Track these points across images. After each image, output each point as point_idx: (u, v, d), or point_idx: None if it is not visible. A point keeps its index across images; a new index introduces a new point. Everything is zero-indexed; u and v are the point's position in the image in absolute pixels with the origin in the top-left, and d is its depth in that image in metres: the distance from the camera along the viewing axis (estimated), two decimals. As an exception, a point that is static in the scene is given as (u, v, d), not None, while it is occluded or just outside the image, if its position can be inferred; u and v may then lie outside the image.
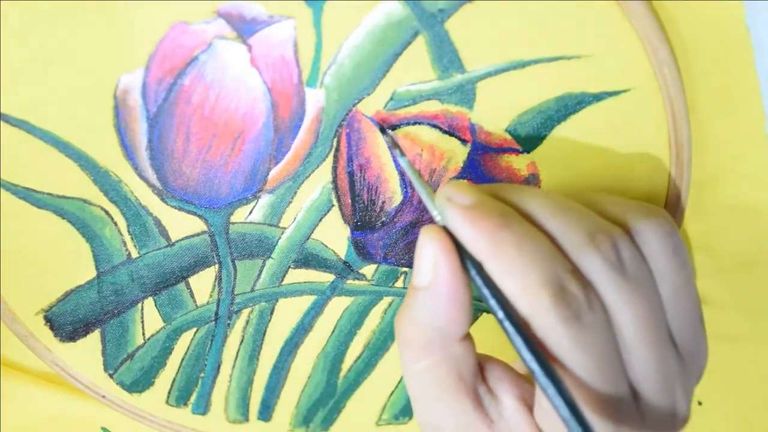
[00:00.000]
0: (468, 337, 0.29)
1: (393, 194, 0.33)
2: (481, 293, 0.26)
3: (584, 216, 0.28)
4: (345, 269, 0.35)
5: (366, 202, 0.33)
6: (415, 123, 0.32)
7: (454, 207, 0.27)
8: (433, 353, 0.28)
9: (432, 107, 0.31)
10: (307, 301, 0.36)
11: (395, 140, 0.32)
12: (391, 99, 0.31)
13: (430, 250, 0.27)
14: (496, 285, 0.26)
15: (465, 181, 0.28)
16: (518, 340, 0.26)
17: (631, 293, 0.27)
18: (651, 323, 0.27)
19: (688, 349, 0.29)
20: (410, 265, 0.35)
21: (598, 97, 0.31)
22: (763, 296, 0.36)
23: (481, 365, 0.30)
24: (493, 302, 0.26)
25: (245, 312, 0.36)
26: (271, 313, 0.36)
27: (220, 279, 0.35)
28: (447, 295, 0.27)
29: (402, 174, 0.33)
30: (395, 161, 0.32)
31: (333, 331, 0.37)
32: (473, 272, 0.27)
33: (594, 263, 0.27)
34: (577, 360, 0.26)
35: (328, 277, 0.35)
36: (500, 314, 0.26)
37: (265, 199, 0.33)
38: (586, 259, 0.27)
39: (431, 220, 0.33)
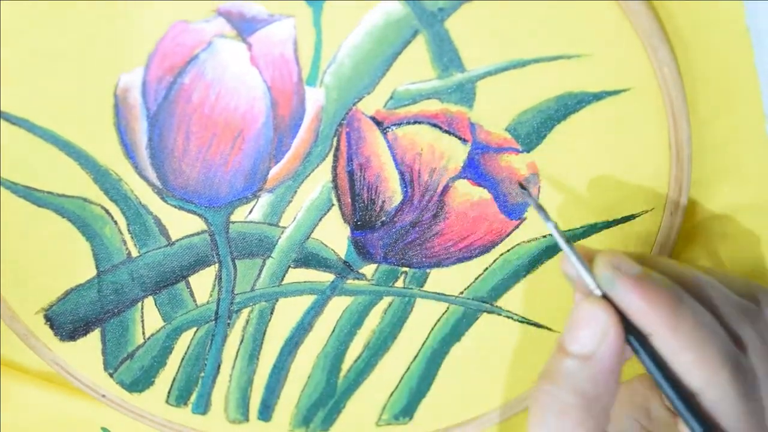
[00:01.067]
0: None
1: (393, 193, 0.33)
2: (646, 366, 0.27)
3: (727, 291, 0.29)
4: (345, 269, 0.35)
5: (366, 202, 0.33)
6: (414, 122, 0.32)
7: (624, 278, 0.27)
8: (587, 423, 0.27)
9: (432, 106, 0.31)
10: (307, 301, 0.36)
11: (539, 204, 0.31)
12: (391, 98, 0.31)
13: (601, 317, 0.27)
14: (660, 356, 0.27)
15: (619, 251, 0.28)
16: (688, 416, 0.26)
17: None
18: None
19: None
20: (410, 265, 0.35)
21: (598, 97, 0.31)
22: (763, 297, 0.36)
23: None
24: (659, 376, 0.27)
25: (245, 311, 0.36)
26: (271, 313, 0.36)
27: (220, 278, 0.35)
28: (611, 365, 0.27)
29: (402, 173, 0.33)
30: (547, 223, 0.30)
31: (333, 330, 0.37)
32: (636, 344, 0.27)
33: (750, 336, 0.28)
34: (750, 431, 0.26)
35: (328, 277, 0.35)
36: (668, 389, 0.27)
37: (265, 199, 0.33)
38: (742, 332, 0.28)
39: (431, 220, 0.33)
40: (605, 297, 0.28)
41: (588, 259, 0.29)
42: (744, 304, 0.29)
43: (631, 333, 0.27)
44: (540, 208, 0.31)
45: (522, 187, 0.32)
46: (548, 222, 0.30)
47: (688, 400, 0.26)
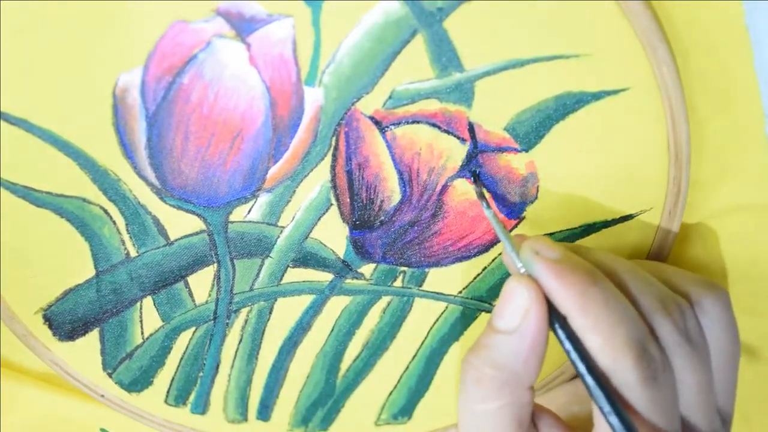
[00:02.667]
0: (533, 387, 0.29)
1: (392, 193, 0.33)
2: (563, 346, 0.28)
3: (655, 283, 0.30)
4: (344, 268, 0.35)
5: (365, 201, 0.33)
6: (413, 122, 0.32)
7: (542, 260, 0.28)
8: (503, 397, 0.28)
9: (430, 106, 0.31)
10: (305, 301, 0.36)
11: (483, 191, 0.32)
12: (390, 98, 0.31)
13: (523, 296, 0.28)
14: (579, 339, 0.27)
15: (546, 238, 0.29)
16: (599, 394, 0.27)
17: (694, 360, 0.29)
18: (708, 390, 0.29)
19: (727, 412, 0.31)
20: (409, 265, 0.35)
21: (597, 96, 0.31)
22: (762, 296, 0.36)
23: (534, 414, 0.30)
24: (575, 356, 0.27)
25: (244, 311, 0.36)
26: (270, 313, 0.36)
27: (219, 278, 0.35)
28: (532, 342, 0.28)
29: (401, 173, 0.33)
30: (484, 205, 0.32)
31: (332, 330, 0.37)
32: (556, 324, 0.28)
33: (665, 329, 0.28)
34: (650, 417, 0.27)
35: (326, 277, 0.35)
36: (582, 368, 0.27)
37: (263, 198, 0.33)
38: (658, 324, 0.28)
39: (429, 219, 0.33)
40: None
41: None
42: (666, 296, 0.29)
43: (554, 315, 0.28)
44: (481, 196, 0.32)
45: (473, 176, 0.33)
46: (487, 210, 0.31)
47: (602, 384, 0.27)
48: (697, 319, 0.30)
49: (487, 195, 0.33)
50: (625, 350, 0.27)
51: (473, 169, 0.32)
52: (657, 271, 0.31)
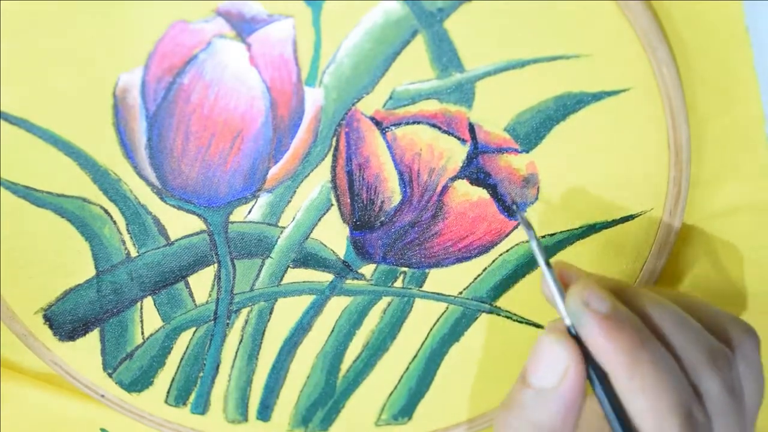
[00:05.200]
0: None
1: (392, 194, 0.33)
2: (602, 405, 0.27)
3: (702, 333, 0.29)
4: (344, 269, 0.35)
5: (365, 202, 0.33)
6: (414, 122, 0.32)
7: (591, 314, 0.27)
8: None
9: (431, 106, 0.31)
10: (306, 301, 0.36)
11: (528, 222, 0.32)
12: (390, 98, 0.31)
13: (562, 355, 0.27)
14: (619, 399, 0.27)
15: (597, 284, 0.28)
16: None
17: (735, 416, 0.28)
18: None
19: None
20: (409, 265, 0.35)
21: (597, 97, 0.31)
22: (762, 296, 0.36)
23: None
24: (613, 417, 0.27)
25: (244, 311, 0.36)
26: (270, 313, 0.36)
27: (219, 278, 0.35)
28: (571, 402, 0.27)
29: (401, 173, 0.33)
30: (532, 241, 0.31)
31: (332, 330, 0.37)
32: (597, 383, 0.27)
33: (713, 387, 0.28)
34: None
35: (327, 277, 0.35)
36: (617, 428, 0.27)
37: (264, 199, 0.33)
38: (706, 380, 0.28)
39: (430, 220, 0.33)
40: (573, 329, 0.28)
41: (568, 282, 0.29)
42: (714, 349, 0.28)
43: (592, 366, 0.27)
44: (528, 227, 0.31)
45: (516, 206, 0.33)
46: (533, 241, 0.30)
47: None
48: (738, 368, 0.29)
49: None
50: (671, 415, 0.26)
51: (516, 203, 0.32)
52: (695, 310, 0.30)
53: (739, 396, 0.28)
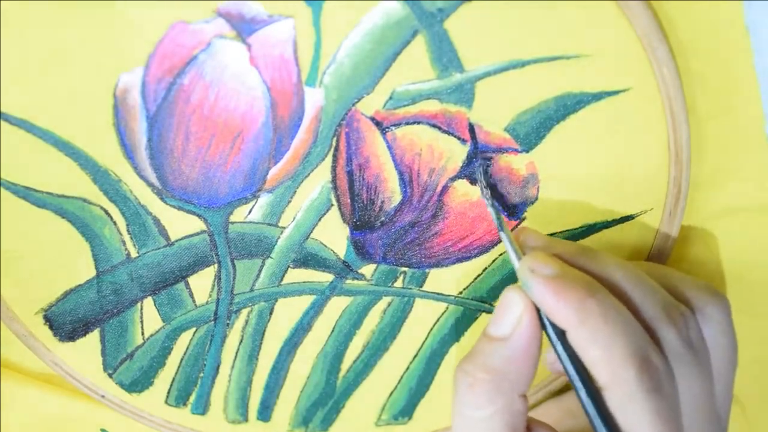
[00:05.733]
0: (525, 396, 0.29)
1: (392, 194, 0.33)
2: (562, 362, 0.28)
3: (658, 290, 0.30)
4: (344, 269, 0.35)
5: (365, 202, 0.33)
6: (414, 122, 0.32)
7: (537, 278, 0.28)
8: (496, 402, 0.28)
9: (431, 107, 0.31)
10: (306, 301, 0.36)
11: (500, 213, 0.32)
12: (391, 98, 0.31)
13: (515, 305, 0.29)
14: (577, 355, 0.28)
15: (543, 253, 0.30)
16: (593, 411, 0.27)
17: (696, 368, 0.29)
18: (709, 397, 0.29)
19: (725, 417, 0.31)
20: (409, 265, 0.35)
21: (597, 97, 0.31)
22: (762, 297, 0.36)
23: (530, 427, 0.30)
24: (572, 372, 0.28)
25: (244, 312, 0.36)
26: (270, 313, 0.36)
27: (220, 279, 0.35)
28: (524, 349, 0.28)
29: (401, 173, 0.33)
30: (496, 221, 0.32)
31: (332, 331, 0.37)
32: (554, 339, 0.28)
33: (669, 337, 0.28)
34: (654, 429, 0.27)
35: (327, 277, 0.35)
36: (578, 384, 0.27)
37: (264, 199, 0.33)
38: (661, 332, 0.28)
39: (430, 220, 0.33)
40: None
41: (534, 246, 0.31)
42: (670, 303, 0.29)
43: (552, 328, 0.28)
44: (485, 190, 0.32)
45: (480, 177, 0.33)
46: (491, 208, 0.32)
47: (597, 401, 0.27)
48: (699, 326, 0.30)
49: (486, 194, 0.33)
50: (626, 361, 0.27)
51: (479, 167, 0.32)
52: (659, 275, 0.31)
53: (699, 351, 0.29)
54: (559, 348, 0.28)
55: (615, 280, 0.29)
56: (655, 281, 0.30)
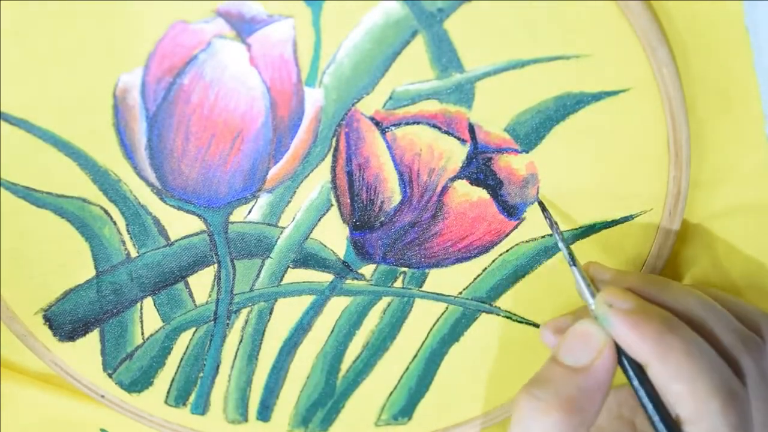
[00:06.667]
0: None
1: (392, 194, 0.33)
2: (639, 398, 0.28)
3: (732, 320, 0.29)
4: (344, 269, 0.35)
5: (365, 202, 0.33)
6: (414, 122, 0.32)
7: (616, 312, 0.28)
8: (565, 430, 0.28)
9: (431, 107, 0.31)
10: (306, 301, 0.36)
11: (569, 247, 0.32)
12: (390, 98, 0.31)
13: (597, 336, 0.28)
14: (654, 389, 0.27)
15: (619, 288, 0.29)
16: None
17: (766, 397, 0.28)
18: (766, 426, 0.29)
19: None
20: (409, 265, 0.35)
21: (597, 97, 0.31)
22: (762, 296, 0.36)
23: None
24: (650, 407, 0.27)
25: (244, 312, 0.36)
26: (270, 313, 0.36)
27: (219, 278, 0.35)
28: (602, 382, 0.28)
29: (401, 174, 0.33)
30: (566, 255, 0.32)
31: (332, 331, 0.37)
32: (631, 374, 0.28)
33: (748, 369, 0.28)
34: None
35: (327, 277, 0.35)
36: (656, 419, 0.27)
37: (264, 199, 0.33)
38: (740, 362, 0.28)
39: (430, 220, 0.33)
40: None
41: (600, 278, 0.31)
42: (745, 333, 0.29)
43: (628, 361, 0.28)
44: (556, 229, 0.32)
45: (542, 207, 0.33)
46: (561, 243, 0.31)
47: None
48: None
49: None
50: (711, 395, 0.26)
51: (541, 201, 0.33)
52: (727, 304, 0.31)
53: None
54: (636, 383, 0.28)
55: (689, 310, 0.29)
56: (727, 308, 0.30)
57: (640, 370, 0.28)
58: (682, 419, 0.27)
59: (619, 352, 0.28)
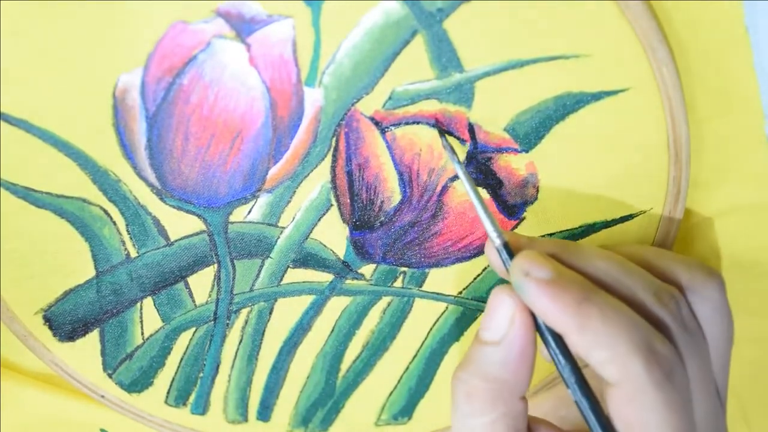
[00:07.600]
0: (525, 397, 0.29)
1: (392, 193, 0.33)
2: (557, 365, 0.28)
3: (645, 275, 0.29)
4: (344, 269, 0.35)
5: (365, 202, 0.33)
6: (413, 122, 0.32)
7: (532, 282, 0.27)
8: (497, 408, 0.28)
9: (430, 106, 0.31)
10: (305, 301, 0.36)
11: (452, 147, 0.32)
12: (390, 98, 0.31)
13: (506, 307, 0.28)
14: (573, 357, 0.27)
15: (538, 253, 0.29)
16: (591, 416, 0.27)
17: (693, 347, 0.28)
18: (708, 375, 0.29)
19: (723, 395, 0.31)
20: (409, 265, 0.35)
21: (597, 97, 0.31)
22: (763, 296, 0.36)
23: (530, 426, 0.30)
24: (569, 376, 0.27)
25: (244, 312, 0.36)
26: (270, 313, 0.36)
27: (219, 278, 0.35)
28: (519, 351, 0.28)
29: (401, 173, 0.33)
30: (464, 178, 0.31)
31: (332, 331, 0.37)
32: (552, 344, 0.28)
33: (665, 321, 0.28)
34: (666, 421, 0.26)
35: (326, 277, 0.35)
36: (575, 387, 0.27)
37: (263, 199, 0.33)
38: (657, 317, 0.28)
39: (430, 220, 0.33)
40: None
41: (519, 248, 0.30)
42: (661, 287, 0.29)
43: (548, 331, 0.28)
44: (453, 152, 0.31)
45: (440, 133, 0.32)
46: (473, 195, 0.31)
47: (594, 405, 0.27)
48: (690, 305, 0.29)
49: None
50: (632, 356, 0.26)
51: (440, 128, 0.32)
52: (646, 257, 0.31)
53: (693, 331, 0.29)
54: (554, 350, 0.28)
55: (604, 272, 0.29)
56: (644, 264, 0.30)
57: (559, 339, 0.28)
58: (611, 383, 0.27)
59: (539, 321, 0.28)
